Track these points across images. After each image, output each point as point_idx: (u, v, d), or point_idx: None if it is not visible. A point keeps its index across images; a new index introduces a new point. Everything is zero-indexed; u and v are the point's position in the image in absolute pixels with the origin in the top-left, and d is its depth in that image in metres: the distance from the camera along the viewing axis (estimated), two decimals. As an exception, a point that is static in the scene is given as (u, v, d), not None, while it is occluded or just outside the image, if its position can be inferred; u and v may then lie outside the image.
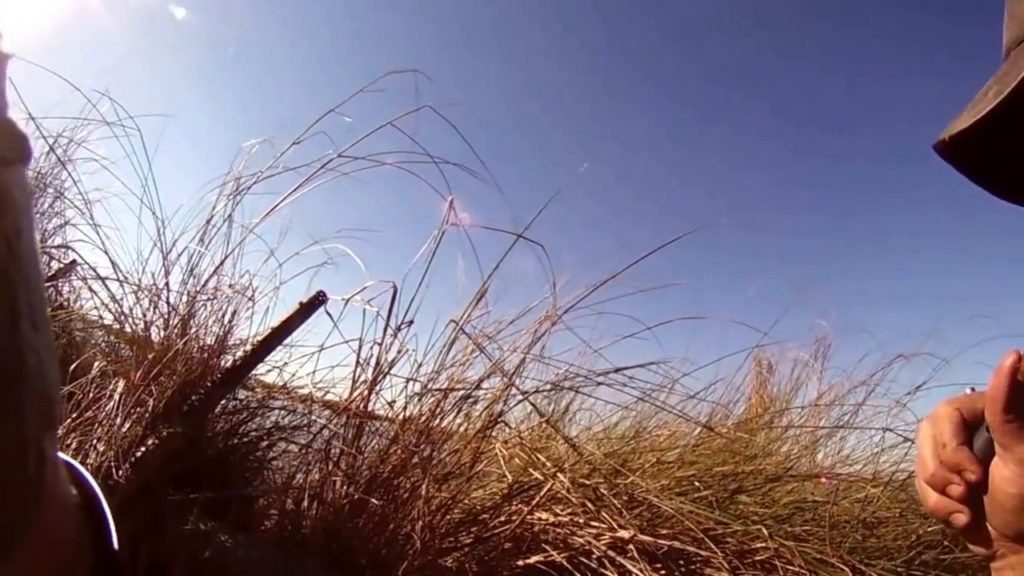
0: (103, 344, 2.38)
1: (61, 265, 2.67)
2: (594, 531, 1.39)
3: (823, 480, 1.79)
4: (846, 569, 1.57)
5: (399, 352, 1.81)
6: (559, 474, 1.45)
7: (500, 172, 2.00)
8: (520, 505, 1.49)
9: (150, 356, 2.12)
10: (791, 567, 1.58)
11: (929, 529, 1.92)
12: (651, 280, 1.92)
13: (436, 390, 1.68)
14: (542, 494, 1.41)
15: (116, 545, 0.38)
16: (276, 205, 1.90)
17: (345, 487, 1.83)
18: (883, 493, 1.92)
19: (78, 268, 2.50)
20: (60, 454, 0.35)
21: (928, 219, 7.37)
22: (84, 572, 0.37)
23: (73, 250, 2.52)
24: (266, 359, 2.31)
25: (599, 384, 1.92)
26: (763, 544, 1.59)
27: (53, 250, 2.74)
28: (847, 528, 1.78)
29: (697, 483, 1.69)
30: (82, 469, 0.40)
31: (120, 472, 1.91)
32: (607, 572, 1.32)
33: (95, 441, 1.92)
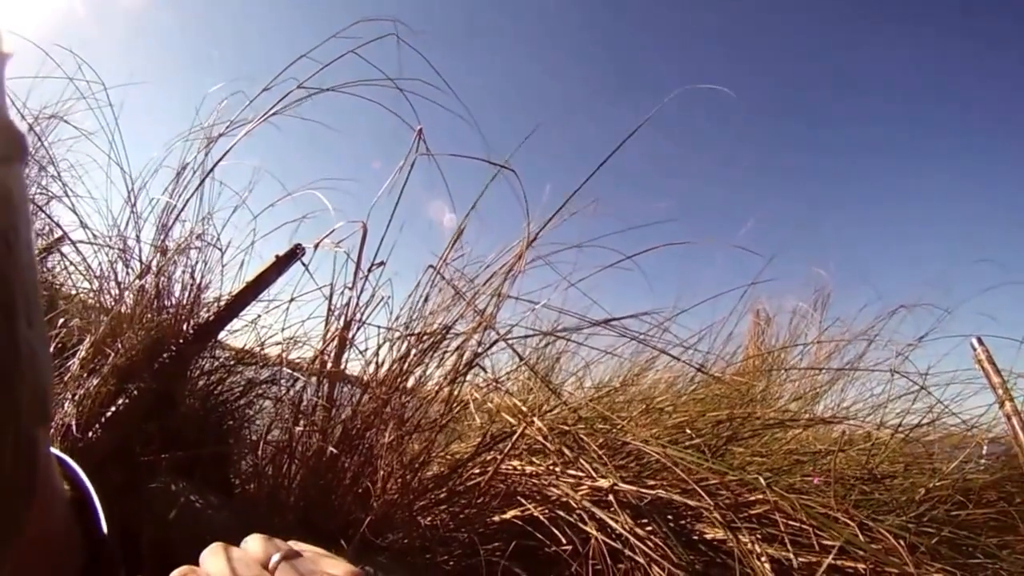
0: (77, 303, 2.20)
1: (49, 241, 2.51)
2: (572, 480, 1.19)
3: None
4: (853, 524, 1.37)
5: (372, 296, 1.61)
6: (536, 420, 1.25)
7: (479, 116, 1.77)
8: (494, 455, 1.30)
9: (119, 310, 1.95)
10: (792, 522, 1.38)
11: (939, 483, 1.73)
12: (639, 220, 1.70)
13: (408, 335, 1.48)
14: (513, 440, 1.22)
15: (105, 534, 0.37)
16: (236, 141, 1.70)
17: (318, 442, 1.65)
18: (891, 442, 1.72)
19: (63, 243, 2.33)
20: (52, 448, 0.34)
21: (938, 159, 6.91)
22: (75, 564, 0.36)
23: (44, 211, 2.33)
24: (241, 314, 2.13)
25: (588, 336, 1.73)
26: (761, 496, 1.39)
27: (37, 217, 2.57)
28: (852, 480, 1.58)
29: (689, 430, 1.49)
30: (73, 463, 0.39)
31: (90, 433, 1.76)
32: (587, 527, 1.13)
33: (63, 401, 1.76)
